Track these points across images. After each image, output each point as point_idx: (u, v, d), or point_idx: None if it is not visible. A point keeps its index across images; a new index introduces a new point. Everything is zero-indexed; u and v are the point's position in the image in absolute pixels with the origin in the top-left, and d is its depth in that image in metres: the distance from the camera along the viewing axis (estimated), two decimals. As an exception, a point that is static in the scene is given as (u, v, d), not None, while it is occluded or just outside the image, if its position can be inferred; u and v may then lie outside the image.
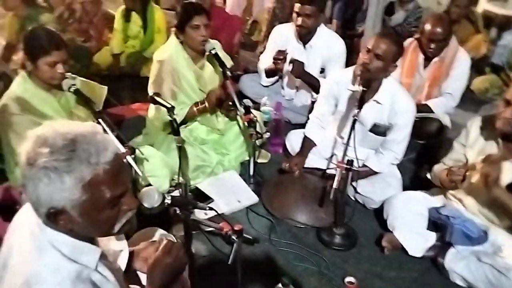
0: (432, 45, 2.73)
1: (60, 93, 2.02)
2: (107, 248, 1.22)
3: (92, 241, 1.07)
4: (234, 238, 1.43)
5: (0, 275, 1.06)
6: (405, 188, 2.32)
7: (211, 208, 1.44)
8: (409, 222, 1.99)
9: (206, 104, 2.40)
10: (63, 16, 3.80)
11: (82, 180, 0.91)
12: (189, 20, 2.25)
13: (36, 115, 1.94)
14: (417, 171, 2.69)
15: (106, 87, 2.26)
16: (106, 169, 0.94)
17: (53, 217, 0.94)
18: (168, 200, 1.28)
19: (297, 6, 2.73)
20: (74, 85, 1.93)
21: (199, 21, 2.26)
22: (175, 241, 1.41)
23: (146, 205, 1.24)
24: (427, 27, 2.72)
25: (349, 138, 1.99)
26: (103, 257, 1.07)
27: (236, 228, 1.43)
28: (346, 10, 4.49)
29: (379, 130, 2.29)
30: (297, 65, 2.71)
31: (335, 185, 1.90)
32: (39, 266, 0.95)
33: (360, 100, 2.04)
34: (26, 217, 1.06)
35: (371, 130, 2.30)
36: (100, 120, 1.84)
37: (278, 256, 2.01)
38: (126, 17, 3.75)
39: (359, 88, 2.08)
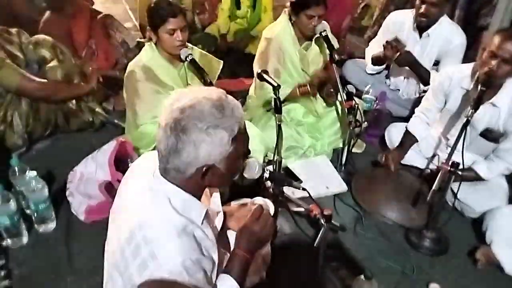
0: None
1: (180, 65, 2.17)
2: (209, 208, 1.32)
3: (200, 200, 1.17)
4: (323, 222, 1.44)
5: (115, 217, 1.21)
6: (511, 201, 2.12)
7: (304, 189, 1.46)
8: (511, 238, 1.83)
9: (309, 87, 2.39)
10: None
11: (232, 133, 1.04)
12: (307, 9, 2.24)
13: (158, 83, 2.10)
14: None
15: (222, 62, 2.37)
16: (243, 122, 1.09)
17: (204, 173, 1.07)
18: (266, 174, 1.33)
19: None
20: (191, 54, 2.05)
21: (316, 12, 2.24)
22: (270, 207, 1.46)
23: (246, 175, 1.31)
24: None
25: (457, 140, 1.85)
26: (207, 215, 1.17)
27: (325, 212, 1.44)
28: (472, 1, 4.10)
29: (491, 135, 2.10)
30: (405, 55, 2.57)
31: (435, 186, 1.80)
32: (152, 213, 1.08)
33: (477, 100, 1.87)
34: (143, 168, 1.20)
35: (481, 135, 2.12)
36: (210, 89, 1.95)
37: (362, 249, 1.97)
38: None
39: (476, 88, 1.92)
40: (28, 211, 1.96)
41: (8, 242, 1.86)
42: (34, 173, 1.85)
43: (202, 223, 1.14)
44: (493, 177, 2.12)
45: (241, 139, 1.08)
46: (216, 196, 1.37)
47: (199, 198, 1.17)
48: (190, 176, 1.07)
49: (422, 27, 2.68)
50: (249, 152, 1.16)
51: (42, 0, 3.10)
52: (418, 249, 1.98)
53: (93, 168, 1.98)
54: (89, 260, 1.82)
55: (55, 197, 2.08)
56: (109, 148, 2.00)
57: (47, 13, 3.00)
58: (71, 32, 3.03)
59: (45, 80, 2.39)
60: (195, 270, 1.05)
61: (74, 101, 2.55)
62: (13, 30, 2.44)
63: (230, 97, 1.09)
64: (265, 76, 1.92)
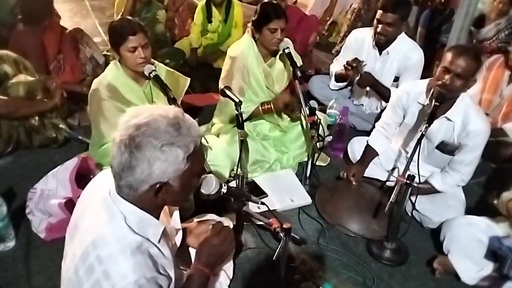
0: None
1: (146, 82, 2.16)
2: (168, 226, 1.32)
3: (157, 218, 1.18)
4: (282, 235, 1.47)
5: (71, 235, 1.20)
6: (469, 212, 2.20)
7: (263, 203, 1.49)
8: (466, 248, 1.91)
9: (272, 106, 2.44)
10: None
11: (187, 151, 1.05)
12: (268, 23, 2.28)
13: (122, 102, 2.09)
14: (485, 196, 2.54)
15: (189, 79, 2.39)
16: (200, 141, 1.10)
17: (157, 190, 1.07)
18: (224, 190, 1.35)
19: (379, 13, 2.68)
20: (154, 71, 2.06)
21: (277, 25, 2.28)
22: (229, 223, 1.48)
23: (203, 191, 1.32)
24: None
25: (413, 153, 1.93)
26: (164, 233, 1.18)
27: (284, 226, 1.47)
28: (432, 19, 4.30)
29: (447, 148, 2.19)
30: (366, 78, 2.67)
31: (392, 198, 1.87)
32: (107, 231, 1.07)
33: (430, 115, 1.96)
34: (100, 185, 1.20)
35: (438, 148, 2.21)
36: (173, 106, 1.96)
37: (324, 260, 2.01)
38: (207, 13, 3.86)
39: (431, 102, 2.01)
40: (-15, 230, 1.91)
41: (-37, 261, 1.81)
42: (-9, 190, 1.81)
43: (159, 241, 1.15)
44: (449, 189, 2.21)
45: (196, 157, 1.09)
46: (176, 214, 1.38)
47: (157, 216, 1.18)
48: (143, 193, 1.08)
49: (381, 45, 2.79)
50: (205, 170, 1.18)
51: (13, 15, 3.07)
52: (379, 260, 2.03)
53: (54, 185, 1.95)
54: (48, 279, 1.79)
55: (16, 214, 2.05)
56: (71, 164, 1.98)
57: (20, 26, 2.97)
58: (43, 45, 3.00)
59: (5, 98, 2.35)
60: None
61: (37, 117, 2.51)
62: (-27, 46, 2.40)
63: (187, 115, 1.10)
64: (227, 92, 1.95)
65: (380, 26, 2.69)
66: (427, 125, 1.94)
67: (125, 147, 1.03)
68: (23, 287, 1.77)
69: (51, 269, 1.82)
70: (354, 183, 2.31)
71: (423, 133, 1.93)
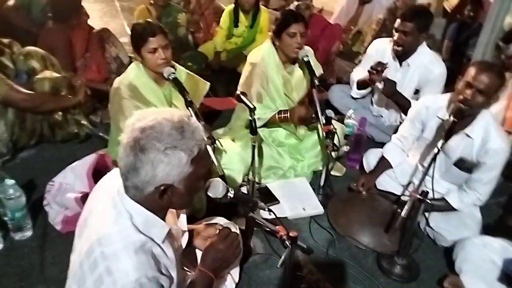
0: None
1: (166, 84, 2.21)
2: (174, 227, 1.35)
3: (163, 219, 1.20)
4: (288, 243, 1.46)
5: (80, 230, 1.24)
6: (486, 232, 2.15)
7: (269, 210, 1.50)
8: (479, 269, 1.85)
9: (288, 116, 2.45)
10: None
11: (191, 154, 1.07)
12: (287, 27, 2.31)
13: (142, 102, 2.13)
14: (504, 217, 2.47)
15: (208, 83, 2.42)
16: (204, 144, 1.11)
17: (162, 192, 1.09)
18: (230, 194, 1.36)
19: (397, 22, 2.67)
20: (173, 73, 2.10)
21: (296, 29, 2.31)
22: (237, 229, 1.50)
23: (210, 194, 1.34)
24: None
25: (428, 168, 1.90)
26: (169, 234, 1.20)
27: (291, 234, 1.46)
28: (460, 32, 4.23)
29: (464, 165, 2.14)
30: (389, 84, 2.64)
31: (403, 213, 1.84)
32: (112, 228, 1.10)
33: (448, 131, 1.93)
34: (109, 184, 1.23)
35: (456, 164, 2.16)
36: (189, 109, 2.00)
37: (332, 271, 2.00)
38: (235, 17, 3.90)
39: (450, 118, 1.97)
40: (5, 218, 1.98)
41: (-18, 247, 1.88)
42: (12, 181, 1.88)
43: (163, 241, 1.17)
44: (465, 208, 2.16)
45: (201, 161, 1.10)
46: (183, 216, 1.41)
47: (162, 217, 1.20)
48: (149, 195, 1.10)
49: (399, 55, 2.76)
50: (211, 173, 1.19)
51: (44, 14, 3.19)
52: (388, 275, 2.00)
53: (71, 179, 2.01)
54: (61, 270, 1.83)
55: (34, 206, 2.11)
56: (89, 160, 2.04)
57: (49, 23, 3.08)
58: (70, 43, 3.10)
59: (32, 92, 2.43)
60: (151, 287, 1.08)
61: (60, 113, 2.59)
62: (5, 41, 2.51)
63: (192, 119, 1.12)
64: (242, 97, 1.97)
65: (397, 34, 2.68)
66: (443, 141, 1.90)
67: (130, 149, 1.05)
68: (37, 277, 1.82)
69: (64, 261, 1.83)
70: (363, 192, 2.28)
71: (440, 149, 1.90)
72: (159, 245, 1.16)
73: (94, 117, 2.91)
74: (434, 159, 1.89)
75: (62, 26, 3.04)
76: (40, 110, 2.49)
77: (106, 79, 3.25)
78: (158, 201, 1.12)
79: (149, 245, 1.12)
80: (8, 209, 1.90)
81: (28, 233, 2.00)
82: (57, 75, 2.60)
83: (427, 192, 1.82)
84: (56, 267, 1.85)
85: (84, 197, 1.98)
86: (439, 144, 1.90)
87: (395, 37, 2.69)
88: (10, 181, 1.88)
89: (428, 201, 1.81)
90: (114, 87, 2.18)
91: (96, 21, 3.73)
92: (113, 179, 1.23)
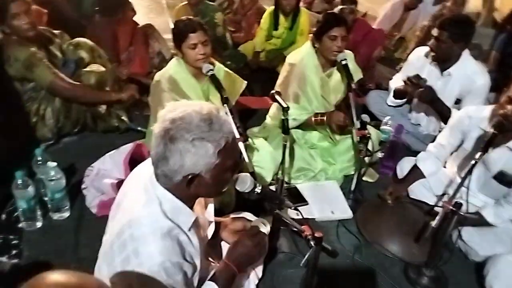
0: None
1: (204, 80, 2.27)
2: (201, 217, 1.39)
3: (191, 207, 1.24)
4: (312, 243, 1.47)
5: (114, 212, 1.30)
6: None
7: (296, 209, 1.51)
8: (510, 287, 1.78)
9: (325, 119, 2.45)
10: (222, 6, 4.18)
11: (218, 146, 1.11)
12: (328, 30, 2.31)
13: (181, 96, 2.20)
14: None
15: (245, 82, 2.46)
16: (232, 138, 1.15)
17: (189, 181, 1.14)
18: (258, 189, 1.38)
19: (434, 29, 2.62)
20: (212, 70, 2.16)
21: (338, 33, 2.30)
22: (266, 225, 1.52)
23: (238, 188, 1.37)
24: None
25: (464, 179, 1.84)
26: (195, 223, 1.24)
27: (316, 234, 1.47)
28: (508, 44, 4.06)
29: (505, 179, 2.06)
30: (427, 91, 2.58)
31: (434, 223, 1.80)
32: (143, 213, 1.16)
33: (487, 143, 1.86)
34: (143, 171, 1.29)
35: (495, 177, 2.09)
36: (226, 105, 2.04)
37: (356, 278, 1.98)
38: (274, 19, 3.93)
39: (490, 130, 1.91)
40: (45, 199, 2.10)
41: (23, 224, 2.00)
42: (54, 164, 1.99)
43: (189, 229, 1.21)
44: (502, 224, 2.07)
45: (228, 153, 1.14)
46: (211, 206, 1.44)
47: (190, 206, 1.24)
48: (177, 183, 1.14)
49: (442, 64, 2.69)
50: (238, 165, 1.22)
51: (93, 7, 3.35)
52: (415, 286, 1.96)
53: (109, 166, 2.10)
54: (94, 251, 1.85)
55: (73, 188, 2.23)
56: (127, 149, 2.13)
57: (97, 17, 3.23)
58: (116, 37, 3.23)
59: (76, 83, 2.55)
60: (174, 272, 1.12)
61: (104, 106, 2.70)
62: (56, 32, 2.64)
63: (222, 113, 1.16)
64: (277, 97, 1.99)
65: (432, 41, 2.63)
66: (481, 153, 1.84)
67: (161, 138, 1.10)
68: (70, 256, 1.91)
69: (97, 243, 1.92)
70: (389, 202, 2.24)
71: (477, 160, 1.84)
72: (185, 232, 1.20)
73: (135, 109, 3.01)
74: (470, 171, 1.83)
75: (108, 20, 3.18)
76: (81, 101, 2.60)
77: (148, 73, 3.36)
78: (186, 189, 1.16)
79: (176, 231, 1.16)
80: (48, 190, 2.01)
81: (66, 214, 2.11)
82: (103, 69, 2.71)
83: (461, 204, 1.77)
84: (89, 248, 1.93)
85: (119, 184, 2.07)
86: (477, 155, 1.84)
87: (430, 42, 2.66)
88: (52, 164, 1.99)
89: (461, 213, 1.76)
90: (155, 80, 2.26)
91: (142, 18, 3.87)
92: (147, 167, 1.29)
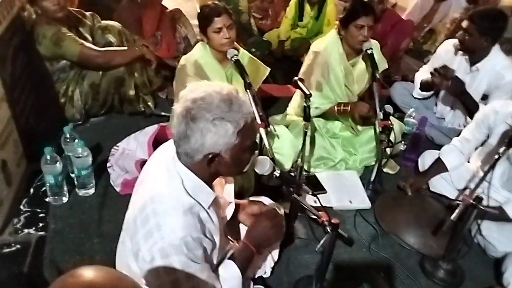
0: None
1: (228, 65, 2.30)
2: (221, 196, 1.43)
3: (211, 186, 1.28)
4: (329, 229, 1.49)
5: (137, 188, 1.35)
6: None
7: (314, 194, 1.52)
8: (530, 286, 1.76)
9: (348, 109, 2.43)
10: (249, -7, 4.16)
11: (238, 126, 1.13)
12: (355, 19, 2.28)
13: (204, 79, 2.21)
14: None
15: (269, 69, 2.47)
16: (251, 118, 1.17)
17: (210, 160, 1.17)
18: (276, 173, 1.41)
19: (464, 21, 2.57)
20: (236, 55, 2.18)
21: (365, 22, 2.27)
22: (281, 211, 1.56)
23: (257, 170, 1.39)
24: None
25: (486, 174, 1.82)
26: (215, 202, 1.28)
27: (333, 220, 1.48)
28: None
29: (529, 176, 2.03)
30: (456, 83, 2.53)
31: (453, 217, 1.79)
32: (165, 189, 1.20)
33: (511, 139, 1.83)
34: (165, 151, 1.33)
35: (520, 174, 2.05)
36: (248, 91, 2.06)
37: (371, 267, 1.98)
38: (299, 9, 3.90)
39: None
40: (72, 175, 2.18)
41: (50, 198, 2.09)
42: (82, 142, 2.06)
43: (209, 207, 1.25)
44: (524, 220, 2.04)
45: (247, 133, 1.16)
46: (230, 187, 1.48)
47: (210, 185, 1.28)
48: (198, 162, 1.18)
49: (471, 58, 2.64)
50: (256, 147, 1.24)
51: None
52: (430, 278, 1.95)
53: (133, 146, 2.16)
54: (116, 227, 1.92)
55: (99, 166, 2.30)
56: (151, 130, 2.18)
57: (124, 0, 3.28)
58: (141, 21, 3.28)
59: (102, 48, 2.57)
60: (194, 247, 1.16)
61: (133, 91, 2.73)
62: (88, 14, 2.71)
63: (241, 94, 1.18)
64: (299, 83, 1.99)
65: (460, 32, 2.59)
66: (505, 148, 1.81)
67: (182, 118, 1.13)
68: (94, 230, 1.99)
69: (120, 220, 1.99)
70: (409, 193, 2.23)
71: (501, 155, 1.80)
72: (205, 210, 1.24)
73: (161, 93, 3.06)
74: (493, 166, 1.80)
75: (134, 4, 3.22)
76: (112, 65, 2.59)
77: (175, 58, 3.40)
78: (206, 168, 1.19)
79: (197, 208, 1.20)
80: (75, 166, 2.09)
81: (91, 191, 2.18)
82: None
83: (481, 198, 1.75)
84: (112, 224, 2.00)
85: (143, 163, 2.12)
86: (501, 150, 1.81)
87: (458, 34, 2.61)
88: (80, 141, 2.06)
89: (482, 207, 1.74)
90: (180, 64, 2.29)
91: (170, 2, 3.90)
92: (169, 146, 1.33)
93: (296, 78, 2.02)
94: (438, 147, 2.72)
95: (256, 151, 1.30)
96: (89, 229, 2.00)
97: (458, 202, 2.24)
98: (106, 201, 2.16)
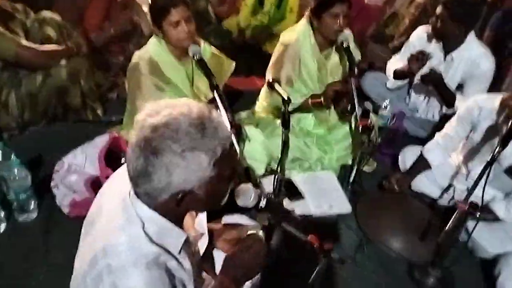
0: None
1: (188, 61, 2.03)
2: (189, 231, 1.19)
3: (180, 225, 1.03)
4: (321, 257, 1.29)
5: (87, 230, 1.07)
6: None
7: (302, 221, 1.31)
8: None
9: (322, 99, 2.22)
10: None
11: (214, 156, 0.89)
12: (330, 7, 2.06)
13: (162, 79, 1.98)
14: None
15: (234, 63, 2.25)
16: (229, 143, 0.94)
17: (180, 200, 0.92)
18: (263, 204, 1.18)
19: (439, 6, 2.42)
20: (199, 53, 1.91)
21: (340, 9, 2.06)
22: (261, 234, 1.33)
23: (239, 203, 1.16)
24: None
25: (479, 178, 1.68)
26: (186, 242, 1.03)
27: (325, 247, 1.28)
28: (504, 23, 3.88)
29: (517, 173, 1.93)
30: (434, 75, 2.40)
31: (448, 226, 1.65)
32: (120, 238, 0.93)
33: (505, 137, 1.68)
34: (120, 183, 1.04)
35: (506, 171, 1.96)
36: (215, 93, 1.80)
37: (358, 281, 1.83)
38: None
39: (509, 123, 1.73)
40: (8, 197, 1.84)
41: (-17, 227, 1.76)
42: (18, 161, 1.73)
43: (179, 252, 1.00)
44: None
45: (225, 162, 0.92)
46: (202, 215, 1.24)
47: (180, 224, 1.03)
48: (164, 202, 0.92)
49: (446, 47, 2.52)
50: (236, 173, 1.00)
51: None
52: (420, 286, 1.83)
53: (81, 161, 1.85)
54: (65, 256, 1.64)
55: (42, 184, 1.98)
56: (101, 141, 1.87)
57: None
58: (83, 14, 2.91)
59: (39, 45, 2.27)
60: None
61: (79, 99, 2.45)
62: (19, 6, 2.31)
63: (214, 114, 0.93)
64: (276, 86, 1.77)
65: (433, 18, 2.47)
66: (500, 147, 1.67)
67: (140, 151, 0.87)
68: (39, 261, 1.71)
69: (69, 246, 1.70)
70: (397, 190, 2.12)
71: (495, 155, 1.67)
72: (174, 256, 0.99)
73: (111, 94, 2.77)
74: (488, 166, 1.65)
75: None
76: (52, 64, 2.31)
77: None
78: (174, 208, 0.94)
79: (163, 258, 0.95)
80: (11, 189, 1.76)
81: (33, 215, 1.88)
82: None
83: (477, 204, 1.62)
84: (60, 252, 1.73)
85: (94, 182, 1.83)
86: (495, 151, 1.66)
87: (430, 20, 2.50)
88: (16, 160, 1.73)
89: (478, 214, 1.61)
90: (133, 61, 2.01)
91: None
92: (126, 175, 1.06)
93: (269, 76, 1.78)
94: (413, 139, 2.63)
95: (235, 178, 1.06)
96: (34, 260, 1.71)
97: (442, 201, 2.16)
98: (52, 226, 1.86)
